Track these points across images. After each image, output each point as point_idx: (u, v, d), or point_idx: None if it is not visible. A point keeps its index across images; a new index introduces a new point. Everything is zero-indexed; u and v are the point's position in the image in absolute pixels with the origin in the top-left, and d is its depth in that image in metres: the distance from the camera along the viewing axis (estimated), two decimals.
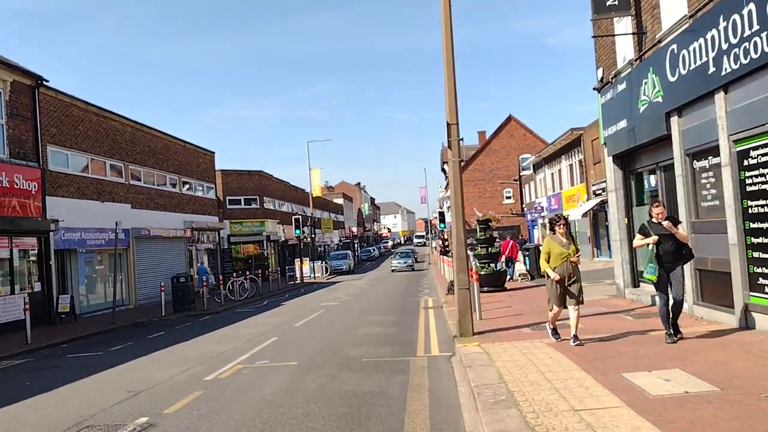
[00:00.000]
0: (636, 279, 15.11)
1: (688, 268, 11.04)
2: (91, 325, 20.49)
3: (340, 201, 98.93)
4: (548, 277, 9.59)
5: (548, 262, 9.60)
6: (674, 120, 11.64)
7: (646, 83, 12.64)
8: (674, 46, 11.20)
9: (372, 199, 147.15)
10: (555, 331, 10.18)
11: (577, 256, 9.56)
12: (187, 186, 34.90)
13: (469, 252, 23.51)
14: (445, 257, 28.22)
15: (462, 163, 11.83)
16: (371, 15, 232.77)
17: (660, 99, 12.02)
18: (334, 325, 16.18)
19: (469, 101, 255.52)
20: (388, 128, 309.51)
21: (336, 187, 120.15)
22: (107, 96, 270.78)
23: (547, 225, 9.74)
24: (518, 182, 61.96)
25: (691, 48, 10.57)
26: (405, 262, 49.29)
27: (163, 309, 22.08)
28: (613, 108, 14.73)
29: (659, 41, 12.02)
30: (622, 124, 14.18)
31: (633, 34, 13.28)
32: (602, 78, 15.57)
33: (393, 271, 48.29)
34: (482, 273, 20.83)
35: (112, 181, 26.32)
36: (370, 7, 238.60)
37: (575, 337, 9.54)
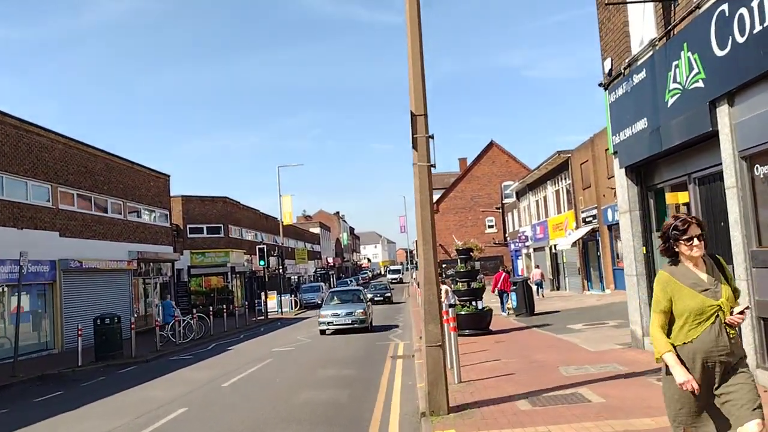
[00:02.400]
0: None
1: (746, 318, 7.82)
2: None
3: (316, 230, 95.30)
4: (666, 371, 4.12)
5: (669, 330, 4.15)
6: (723, 110, 8.45)
7: (677, 66, 9.47)
8: (725, 6, 8.06)
9: (351, 229, 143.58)
10: None
11: (743, 311, 4.01)
12: (134, 212, 31.25)
13: (444, 286, 20.15)
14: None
15: (433, 168, 8.49)
16: (352, 47, 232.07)
17: (700, 83, 8.85)
18: (272, 385, 12.62)
19: (450, 132, 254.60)
20: (369, 158, 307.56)
21: (314, 216, 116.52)
22: (89, 126, 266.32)
23: (661, 243, 4.25)
24: (501, 210, 58.96)
25: (754, 3, 7.43)
26: (345, 319, 22.97)
27: (80, 357, 18.32)
28: (627, 106, 11.56)
29: (698, 5, 8.88)
30: (640, 125, 11.00)
31: (657, 0, 10.14)
32: (610, 70, 12.42)
33: (322, 333, 23.13)
34: (462, 313, 17.47)
35: (34, 205, 22.67)
36: (351, 39, 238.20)
37: None
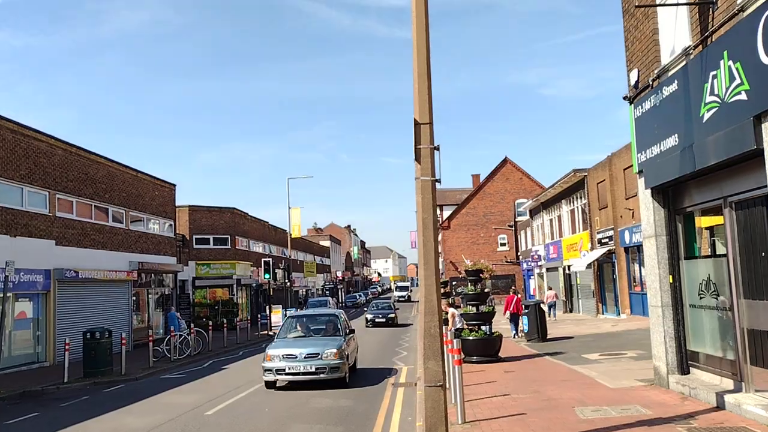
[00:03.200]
0: (685, 362, 10.71)
1: None
2: None
3: (326, 243, 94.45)
4: None
5: None
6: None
7: (715, 77, 8.47)
8: None
9: (362, 243, 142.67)
10: None
11: None
12: (137, 221, 30.47)
13: (452, 309, 19.08)
14: None
15: (437, 184, 7.52)
16: (367, 61, 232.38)
17: (743, 96, 7.83)
18: (260, 415, 11.61)
19: (464, 149, 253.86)
20: (382, 172, 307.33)
21: (325, 229, 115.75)
22: (106, 135, 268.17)
23: None
24: (513, 228, 57.80)
25: None
26: (304, 363, 14.37)
27: (66, 373, 17.37)
28: (655, 121, 10.55)
29: (741, 8, 7.89)
30: (670, 141, 9.98)
31: (693, 4, 9.16)
32: (637, 82, 11.43)
33: (269, 386, 14.64)
34: (470, 338, 16.41)
35: (30, 212, 21.90)
36: (367, 53, 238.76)
37: None
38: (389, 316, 38.24)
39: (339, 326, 16.29)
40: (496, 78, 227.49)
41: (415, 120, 7.42)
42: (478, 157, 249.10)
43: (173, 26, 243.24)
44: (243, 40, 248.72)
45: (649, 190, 11.16)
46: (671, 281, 10.88)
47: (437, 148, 7.47)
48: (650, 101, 10.71)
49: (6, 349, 21.03)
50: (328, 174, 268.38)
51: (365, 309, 48.41)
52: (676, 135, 9.79)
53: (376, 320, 37.70)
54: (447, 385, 11.63)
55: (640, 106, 11.17)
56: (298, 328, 16.59)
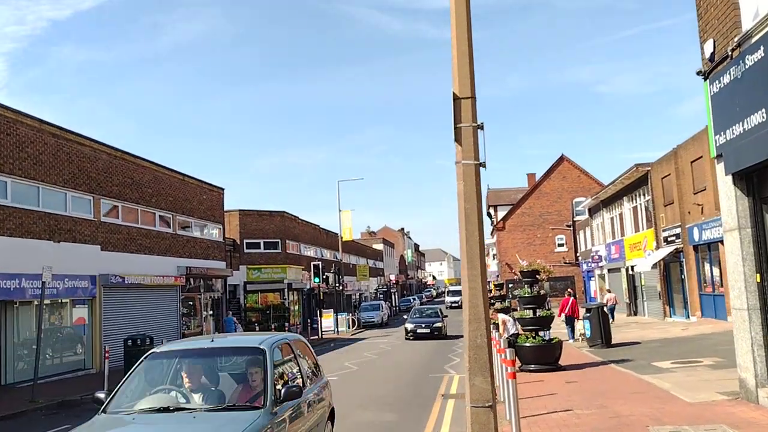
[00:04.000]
0: None
1: None
2: (6, 401, 15.52)
3: (379, 247, 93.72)
4: None
5: None
6: None
7: None
8: None
9: (416, 246, 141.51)
10: None
11: None
12: (185, 226, 30.18)
13: (503, 316, 17.84)
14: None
15: (482, 168, 6.41)
16: (418, 64, 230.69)
17: None
18: None
19: (518, 148, 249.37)
20: (435, 174, 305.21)
21: (378, 233, 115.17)
22: (163, 144, 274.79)
23: None
24: (572, 228, 55.68)
25: None
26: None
27: (106, 382, 16.89)
28: (737, 96, 9.16)
29: None
30: (756, 118, 8.60)
31: None
32: (713, 54, 10.03)
33: None
34: (527, 345, 15.17)
35: (74, 217, 21.66)
36: (418, 56, 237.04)
37: None
38: (435, 325, 31.27)
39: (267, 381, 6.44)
40: (548, 77, 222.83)
41: (454, 94, 6.33)
42: (532, 157, 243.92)
43: (229, 35, 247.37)
44: (295, 48, 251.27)
45: (730, 177, 9.75)
46: (758, 280, 9.45)
47: (481, 127, 6.37)
48: (730, 74, 9.32)
49: (53, 355, 20.88)
50: (381, 177, 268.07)
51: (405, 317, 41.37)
52: (763, 110, 8.41)
53: (418, 331, 30.98)
54: (500, 398, 10.50)
55: (717, 81, 9.78)
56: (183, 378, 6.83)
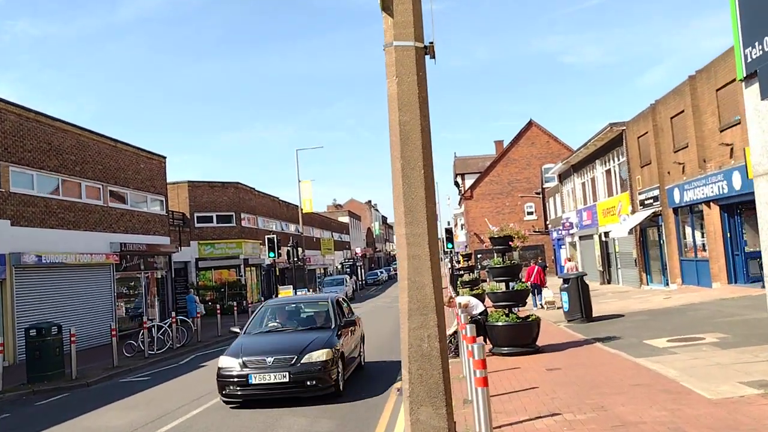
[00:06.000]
0: None
1: None
2: None
3: (345, 219, 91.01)
4: None
5: None
6: None
7: None
8: None
9: (384, 218, 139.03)
10: None
11: None
12: (118, 197, 27.15)
13: (466, 299, 15.46)
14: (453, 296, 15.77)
15: (430, 57, 3.82)
16: (378, 35, 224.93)
17: None
18: None
19: (486, 120, 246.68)
20: None
21: (344, 205, 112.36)
22: (127, 122, 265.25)
23: None
24: (541, 195, 53.69)
25: None
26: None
27: (0, 380, 14.11)
28: None
29: None
30: None
31: None
32: None
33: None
34: (499, 324, 12.83)
35: None
36: (376, 29, 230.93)
37: None
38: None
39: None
40: (514, 48, 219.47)
41: None
42: (500, 128, 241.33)
43: (192, 5, 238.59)
44: (260, 17, 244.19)
45: (766, 102, 7.36)
46: None
47: None
48: None
49: None
50: (350, 151, 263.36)
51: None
52: None
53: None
54: (469, 396, 8.10)
55: None
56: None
